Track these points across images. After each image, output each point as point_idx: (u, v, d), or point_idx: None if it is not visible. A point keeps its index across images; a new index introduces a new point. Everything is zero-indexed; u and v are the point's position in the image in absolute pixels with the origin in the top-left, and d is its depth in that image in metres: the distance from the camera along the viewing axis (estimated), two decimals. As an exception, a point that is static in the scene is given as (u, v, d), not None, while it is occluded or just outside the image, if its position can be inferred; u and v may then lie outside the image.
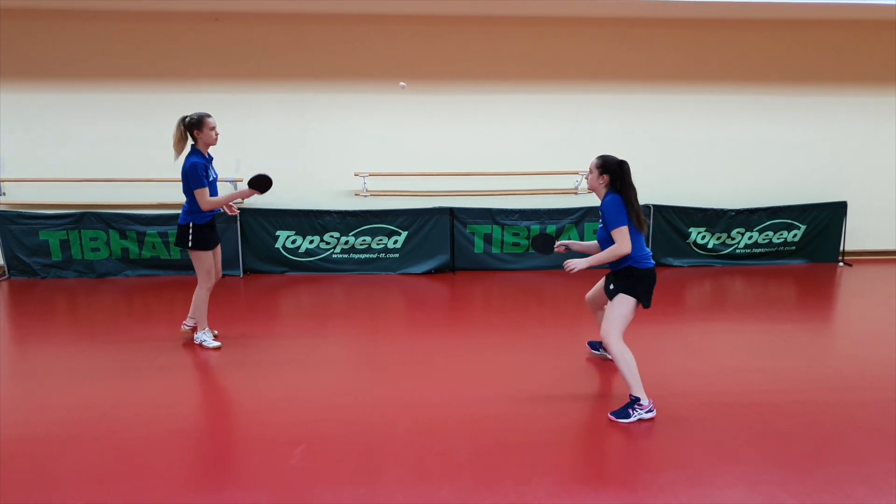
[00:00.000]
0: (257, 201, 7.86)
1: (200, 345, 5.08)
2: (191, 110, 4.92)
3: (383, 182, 8.04)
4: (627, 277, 3.86)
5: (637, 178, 8.85)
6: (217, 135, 4.80)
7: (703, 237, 8.24)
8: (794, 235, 8.35)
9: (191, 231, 4.82)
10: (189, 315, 5.28)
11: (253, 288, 7.20)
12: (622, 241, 3.77)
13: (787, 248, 8.41)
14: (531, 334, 5.53)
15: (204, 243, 4.88)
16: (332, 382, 4.45)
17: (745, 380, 4.46)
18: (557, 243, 4.40)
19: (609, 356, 4.50)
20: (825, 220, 8.35)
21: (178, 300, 6.59)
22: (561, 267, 8.06)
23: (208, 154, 4.89)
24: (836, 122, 8.49)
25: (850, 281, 7.61)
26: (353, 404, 4.07)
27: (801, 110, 8.42)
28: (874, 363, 4.78)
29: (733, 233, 8.25)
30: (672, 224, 8.14)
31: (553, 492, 3.07)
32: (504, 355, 4.99)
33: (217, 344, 5.08)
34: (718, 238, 8.25)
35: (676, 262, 8.21)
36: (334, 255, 7.83)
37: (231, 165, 7.57)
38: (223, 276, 7.57)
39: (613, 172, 3.91)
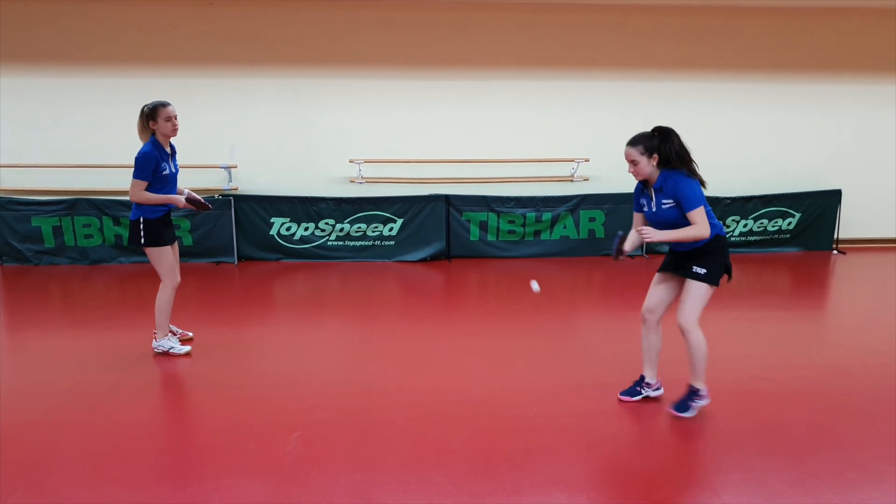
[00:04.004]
0: (252, 188, 7.83)
1: (167, 353, 4.60)
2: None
3: (379, 169, 8.00)
4: (716, 250, 3.53)
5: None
6: (175, 126, 4.37)
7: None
8: (789, 223, 8.37)
9: (142, 226, 4.40)
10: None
11: (247, 275, 7.18)
12: (703, 224, 3.41)
13: (781, 235, 8.43)
14: (526, 321, 5.54)
15: (156, 238, 4.44)
16: (327, 369, 4.45)
17: (739, 367, 4.48)
18: (625, 250, 3.79)
19: (652, 395, 3.95)
20: (820, 208, 8.37)
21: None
22: (553, 255, 8.11)
23: (170, 146, 4.50)
24: (831, 110, 8.48)
25: (843, 269, 7.64)
26: (349, 391, 4.08)
27: (797, 98, 8.40)
28: (866, 351, 4.80)
29: (728, 220, 8.26)
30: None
31: (548, 478, 3.09)
32: (499, 342, 5.00)
33: (187, 349, 4.64)
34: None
35: (671, 250, 8.22)
36: (329, 243, 7.81)
37: (225, 151, 7.53)
38: (218, 263, 7.54)
39: (659, 147, 3.49)
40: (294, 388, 4.13)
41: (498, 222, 7.93)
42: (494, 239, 7.99)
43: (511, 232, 8.00)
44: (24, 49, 7.39)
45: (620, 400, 3.93)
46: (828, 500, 2.94)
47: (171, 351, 4.61)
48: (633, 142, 3.52)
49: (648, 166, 3.50)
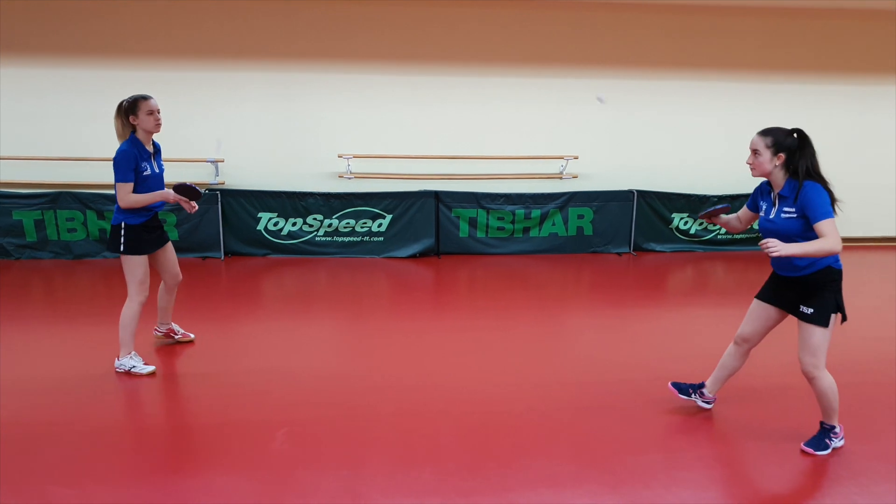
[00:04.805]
0: (239, 182, 7.76)
1: (128, 372, 4.18)
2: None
3: (368, 164, 7.96)
4: (826, 285, 3.18)
5: (622, 163, 8.83)
6: (158, 121, 4.03)
7: (686, 223, 8.29)
8: (775, 222, 8.43)
9: (123, 232, 4.05)
10: (159, 320, 4.68)
11: (234, 270, 7.12)
12: (835, 235, 3.02)
13: (767, 234, 8.49)
14: (515, 318, 5.54)
15: (137, 246, 4.08)
16: (315, 366, 4.42)
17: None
18: (715, 219, 3.56)
19: (700, 404, 3.80)
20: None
21: (158, 282, 6.49)
22: (542, 252, 8.12)
23: (153, 143, 4.16)
24: (818, 110, 8.54)
25: (828, 267, 7.70)
26: (337, 387, 4.06)
27: (786, 98, 8.46)
28: (854, 348, 4.85)
29: (716, 219, 8.31)
30: (655, 209, 8.17)
31: (536, 475, 3.09)
32: (488, 339, 4.99)
33: (151, 369, 4.20)
34: (700, 224, 8.31)
35: (659, 248, 8.26)
36: (317, 238, 7.76)
37: (212, 145, 7.45)
38: (204, 258, 7.47)
39: (791, 148, 3.15)
40: (281, 384, 4.10)
41: (487, 219, 7.92)
42: (484, 235, 7.99)
43: (500, 229, 7.99)
44: (6, 41, 7.27)
45: (671, 392, 3.81)
46: (809, 494, 2.96)
47: (132, 370, 4.18)
48: (765, 132, 3.19)
49: (769, 163, 3.17)
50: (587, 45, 8.03)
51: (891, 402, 3.95)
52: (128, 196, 3.97)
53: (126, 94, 4.21)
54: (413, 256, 7.80)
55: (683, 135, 8.42)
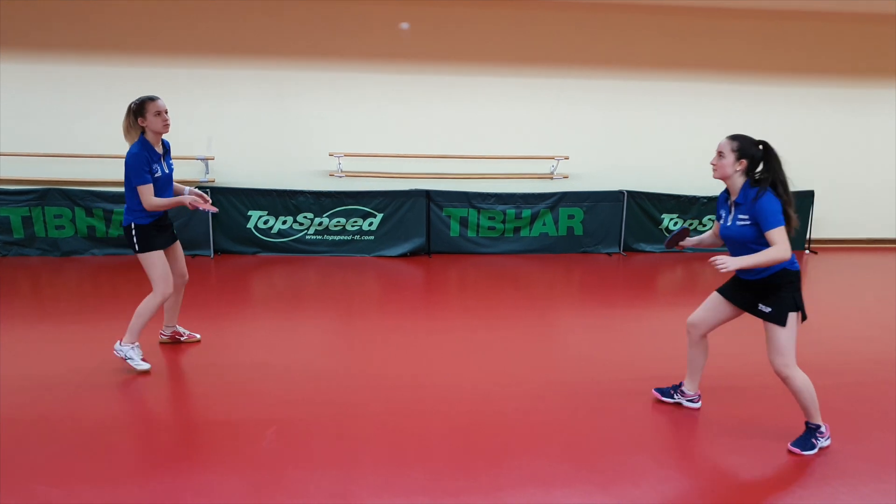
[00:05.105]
0: (229, 180, 7.73)
1: (124, 359, 4.21)
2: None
3: (359, 163, 7.95)
4: (783, 286, 3.25)
5: (612, 164, 8.86)
6: (166, 122, 4.03)
7: (676, 223, 8.34)
8: (764, 223, 8.49)
9: (133, 232, 4.10)
10: (165, 323, 4.66)
11: (224, 268, 7.09)
12: (784, 244, 3.12)
13: (756, 235, 8.56)
14: (505, 318, 5.55)
15: (150, 243, 4.13)
16: (305, 364, 4.41)
17: (714, 364, 4.52)
18: (684, 243, 3.67)
19: (685, 404, 3.83)
20: (793, 208, 8.50)
21: (146, 280, 6.44)
22: (532, 252, 8.14)
23: (162, 144, 4.18)
24: (805, 112, 8.63)
25: (815, 268, 7.78)
26: (326, 386, 4.05)
27: (773, 100, 8.53)
28: (836, 348, 4.90)
29: (704, 219, 8.36)
30: (645, 210, 8.21)
31: (526, 475, 3.10)
32: (479, 338, 5.00)
33: (146, 366, 4.20)
34: (690, 224, 8.36)
35: (648, 248, 8.30)
36: (308, 237, 7.74)
37: (203, 143, 7.41)
38: (194, 256, 7.43)
39: (754, 157, 3.26)
40: (271, 382, 4.09)
41: (478, 218, 7.93)
42: (474, 235, 7.99)
43: (491, 228, 8.00)
44: (-5, 34, 7.20)
45: (655, 397, 3.88)
46: (796, 493, 2.99)
47: (129, 361, 4.19)
48: (733, 137, 3.32)
49: (731, 167, 3.27)
50: (579, 45, 8.06)
51: (879, 402, 3.99)
52: (151, 199, 4.01)
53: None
54: (404, 255, 7.80)
55: (674, 136, 8.46)
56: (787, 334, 3.23)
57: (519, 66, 8.02)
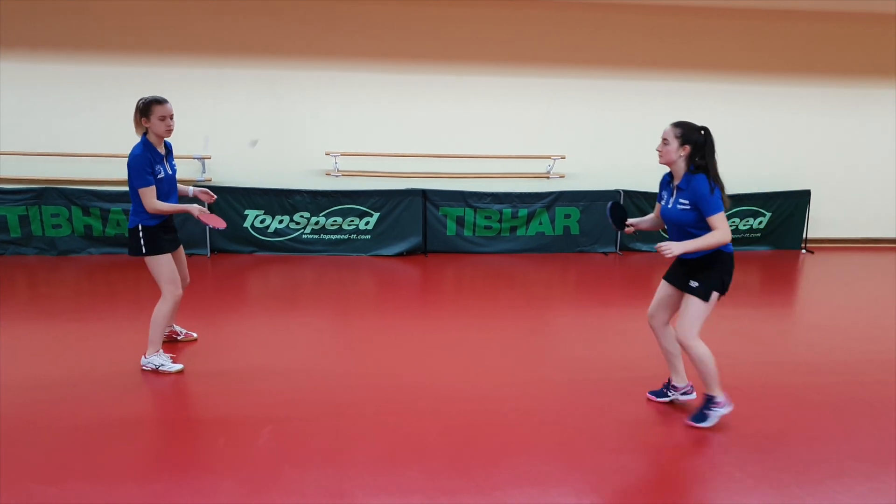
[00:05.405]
0: (226, 179, 7.72)
1: (156, 371, 4.15)
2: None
3: (355, 162, 7.95)
4: (714, 266, 3.41)
5: (609, 163, 8.89)
6: (169, 127, 3.99)
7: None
8: (760, 222, 8.52)
9: (141, 234, 4.04)
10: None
11: (220, 268, 7.09)
12: (724, 229, 3.29)
13: (752, 234, 8.58)
14: (501, 317, 5.55)
15: (158, 246, 4.07)
16: (301, 363, 4.41)
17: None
18: (628, 222, 3.82)
19: (681, 398, 3.87)
20: (789, 208, 8.53)
21: (143, 279, 6.43)
22: (529, 251, 8.15)
23: (165, 145, 4.13)
24: (802, 112, 8.64)
25: (811, 268, 7.80)
26: (322, 385, 4.05)
27: (769, 100, 8.54)
28: (833, 348, 4.91)
29: (701, 219, 8.37)
30: (641, 209, 8.21)
31: (521, 474, 3.11)
32: (475, 337, 5.00)
33: (179, 367, 4.18)
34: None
35: (645, 248, 8.31)
36: (304, 236, 7.74)
37: (199, 142, 7.40)
38: (190, 255, 7.42)
39: (696, 142, 3.38)
40: (267, 381, 4.09)
41: (474, 218, 7.93)
42: (471, 234, 8.00)
43: (487, 227, 8.01)
44: (-9, 33, 7.18)
45: (648, 399, 3.92)
46: (792, 493, 3.00)
47: (161, 369, 4.14)
48: (677, 124, 3.45)
49: (675, 153, 3.41)
50: (576, 45, 8.06)
51: (874, 401, 4.00)
52: (154, 201, 3.97)
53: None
54: (400, 255, 7.80)
55: (670, 135, 8.46)
56: (703, 309, 3.43)
57: (515, 65, 8.03)
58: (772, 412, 3.81)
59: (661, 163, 3.52)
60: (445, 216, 7.89)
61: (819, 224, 8.87)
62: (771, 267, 7.78)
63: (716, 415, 3.55)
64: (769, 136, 8.64)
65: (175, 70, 7.46)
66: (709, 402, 3.56)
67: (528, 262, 7.66)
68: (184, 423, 3.56)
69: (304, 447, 3.30)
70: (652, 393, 3.96)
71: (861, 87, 8.66)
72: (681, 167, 3.45)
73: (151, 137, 4.01)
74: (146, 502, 2.81)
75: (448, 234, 7.95)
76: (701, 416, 3.56)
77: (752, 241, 8.60)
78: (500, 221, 7.99)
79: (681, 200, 3.42)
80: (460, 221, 7.93)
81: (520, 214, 8.00)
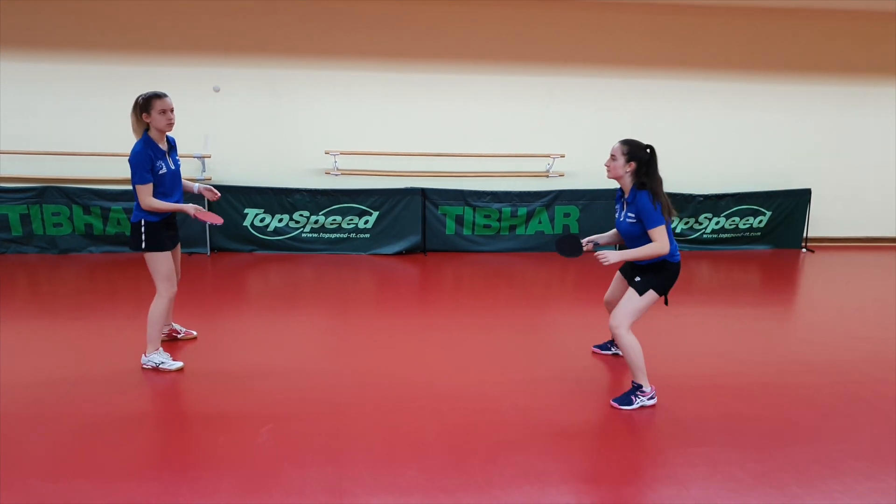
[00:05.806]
0: (226, 178, 7.73)
1: (156, 368, 4.18)
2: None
3: (354, 161, 7.95)
4: (659, 271, 3.70)
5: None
6: (170, 120, 3.99)
7: (671, 222, 8.34)
8: (760, 221, 8.51)
9: (143, 229, 4.05)
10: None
11: (220, 266, 7.09)
12: (662, 241, 3.56)
13: (752, 233, 8.58)
14: (501, 315, 5.56)
15: (159, 243, 4.08)
16: (301, 362, 4.42)
17: (710, 363, 4.56)
18: (585, 241, 3.91)
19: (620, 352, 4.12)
20: (790, 206, 8.53)
21: (143, 277, 6.44)
22: (528, 250, 8.15)
23: (167, 140, 4.13)
24: (802, 110, 8.64)
25: (812, 267, 7.80)
26: (322, 384, 4.06)
27: (769, 99, 8.54)
28: (833, 347, 4.91)
29: (701, 218, 8.38)
30: (642, 208, 8.22)
31: (519, 471, 3.11)
32: (473, 336, 5.01)
33: (179, 365, 4.22)
34: (686, 223, 8.37)
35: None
36: (304, 235, 7.75)
37: (199, 141, 7.40)
38: (190, 253, 7.44)
39: (641, 160, 3.63)
40: (266, 380, 4.10)
41: (474, 216, 7.94)
42: (470, 233, 8.00)
43: (487, 226, 8.01)
44: (-9, 31, 7.19)
45: (593, 352, 4.30)
46: (792, 492, 3.00)
47: (161, 366, 4.17)
48: (624, 142, 3.66)
49: (622, 169, 3.64)
50: (575, 43, 8.06)
51: (875, 400, 4.00)
52: (149, 199, 3.97)
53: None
54: (399, 253, 7.81)
55: (669, 134, 8.47)
56: (639, 303, 3.68)
57: (515, 64, 8.02)
58: (772, 412, 3.82)
59: (608, 177, 3.78)
60: (445, 215, 7.89)
61: (819, 223, 8.87)
62: (771, 266, 7.78)
63: (640, 402, 3.76)
64: (769, 134, 8.64)
65: (175, 69, 7.46)
66: (635, 389, 3.79)
67: (528, 261, 7.67)
68: (184, 421, 3.57)
69: (303, 445, 3.30)
70: (597, 346, 4.58)
71: (862, 86, 8.65)
72: (627, 182, 3.69)
73: (153, 133, 4.00)
74: (146, 500, 2.82)
75: (447, 232, 7.95)
76: (626, 399, 3.78)
77: (753, 240, 8.60)
78: (499, 220, 7.99)
79: (629, 214, 3.67)
80: (459, 220, 7.93)
81: (519, 213, 8.00)
